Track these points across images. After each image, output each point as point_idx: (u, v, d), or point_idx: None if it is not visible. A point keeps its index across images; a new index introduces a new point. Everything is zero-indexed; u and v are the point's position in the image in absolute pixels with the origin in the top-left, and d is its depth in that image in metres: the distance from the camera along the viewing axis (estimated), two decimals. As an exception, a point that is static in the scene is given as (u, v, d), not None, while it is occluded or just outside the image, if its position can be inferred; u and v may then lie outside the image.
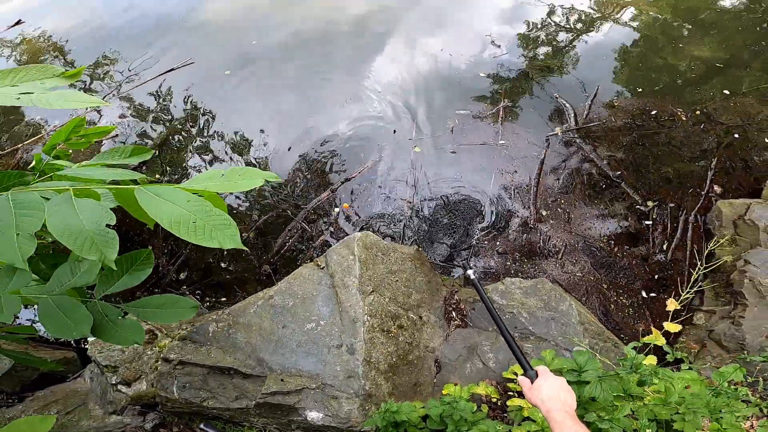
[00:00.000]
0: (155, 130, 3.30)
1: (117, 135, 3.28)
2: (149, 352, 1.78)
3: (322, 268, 2.03)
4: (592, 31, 4.12)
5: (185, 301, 1.00)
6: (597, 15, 4.27)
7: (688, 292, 2.24)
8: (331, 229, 2.64)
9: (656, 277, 2.68)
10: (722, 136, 3.24)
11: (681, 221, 2.84)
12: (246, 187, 0.74)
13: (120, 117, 3.42)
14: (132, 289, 1.64)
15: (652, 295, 2.64)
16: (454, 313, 2.22)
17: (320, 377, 1.64)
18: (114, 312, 0.93)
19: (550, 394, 1.11)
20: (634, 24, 4.19)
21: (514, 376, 1.80)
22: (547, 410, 1.08)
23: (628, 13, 4.31)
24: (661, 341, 1.61)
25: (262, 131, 3.22)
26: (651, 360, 1.62)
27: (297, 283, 1.93)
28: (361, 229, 2.67)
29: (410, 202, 2.63)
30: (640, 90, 3.57)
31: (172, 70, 3.60)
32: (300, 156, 3.03)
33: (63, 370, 1.96)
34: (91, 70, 3.88)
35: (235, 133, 3.25)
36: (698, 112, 3.39)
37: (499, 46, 3.88)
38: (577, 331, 2.12)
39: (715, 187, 3.01)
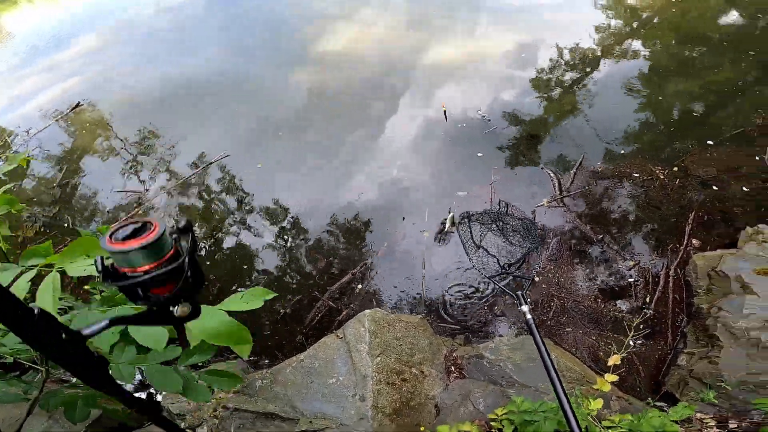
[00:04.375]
0: (194, 205, 4.26)
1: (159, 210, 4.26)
2: (207, 405, 2.51)
3: (341, 338, 2.74)
4: (574, 95, 4.83)
5: (233, 375, 1.55)
6: (576, 78, 5.01)
7: (631, 337, 2.74)
8: (352, 305, 3.36)
9: (641, 326, 3.14)
10: (700, 190, 3.73)
11: (662, 276, 3.32)
12: (257, 305, 1.30)
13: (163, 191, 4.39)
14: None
15: (639, 342, 3.09)
16: (453, 367, 2.82)
17: (339, 419, 2.29)
18: (193, 378, 1.60)
19: None
20: (616, 81, 4.88)
21: (495, 416, 2.33)
22: None
23: (606, 71, 5.01)
24: (607, 388, 2.13)
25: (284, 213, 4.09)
26: (597, 404, 2.14)
27: (321, 350, 2.65)
28: (378, 302, 3.37)
29: (422, 281, 3.31)
30: (622, 152, 4.16)
31: (210, 164, 4.54)
32: (320, 238, 3.83)
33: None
34: (137, 147, 4.95)
35: (265, 210, 4.12)
36: (676, 168, 3.92)
37: (489, 120, 4.57)
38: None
39: (694, 241, 3.49)
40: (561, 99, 4.79)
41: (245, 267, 3.73)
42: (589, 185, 3.92)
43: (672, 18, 5.64)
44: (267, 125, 4.94)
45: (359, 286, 3.45)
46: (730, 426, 2.31)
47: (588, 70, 5.10)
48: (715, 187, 3.73)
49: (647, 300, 3.26)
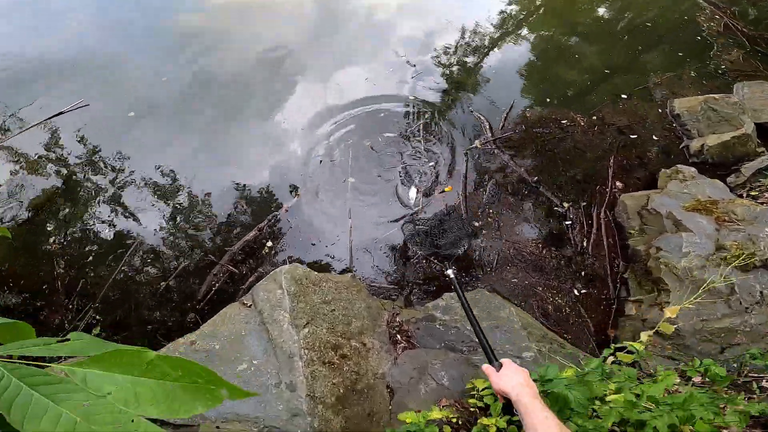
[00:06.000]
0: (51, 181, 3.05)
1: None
2: None
3: (249, 306, 1.96)
4: (499, 50, 4.57)
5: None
6: (500, 35, 4.75)
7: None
8: (261, 269, 2.57)
9: (583, 273, 2.92)
10: (617, 137, 3.68)
11: (594, 218, 3.15)
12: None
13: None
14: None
15: (584, 291, 2.86)
16: (399, 335, 2.24)
17: (262, 420, 1.55)
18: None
19: (518, 380, 1.30)
20: (534, 42, 4.71)
21: (473, 387, 1.80)
22: (516, 395, 1.26)
23: (526, 32, 4.84)
24: (640, 347, 1.70)
25: (175, 176, 3.11)
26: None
27: (222, 325, 1.85)
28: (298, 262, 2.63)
29: (350, 231, 2.67)
30: (548, 100, 3.98)
31: (61, 113, 3.33)
32: (223, 195, 2.96)
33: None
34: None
35: (148, 179, 3.09)
36: (594, 117, 3.84)
37: (414, 66, 4.19)
38: (522, 336, 2.22)
39: (617, 183, 3.39)
40: (482, 59, 4.46)
41: (109, 238, 2.66)
42: (521, 130, 3.64)
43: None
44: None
45: (269, 244, 2.65)
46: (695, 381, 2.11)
47: (515, 31, 4.84)
48: (633, 136, 3.72)
49: (584, 244, 3.06)
